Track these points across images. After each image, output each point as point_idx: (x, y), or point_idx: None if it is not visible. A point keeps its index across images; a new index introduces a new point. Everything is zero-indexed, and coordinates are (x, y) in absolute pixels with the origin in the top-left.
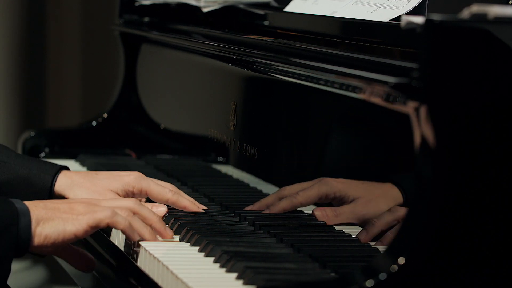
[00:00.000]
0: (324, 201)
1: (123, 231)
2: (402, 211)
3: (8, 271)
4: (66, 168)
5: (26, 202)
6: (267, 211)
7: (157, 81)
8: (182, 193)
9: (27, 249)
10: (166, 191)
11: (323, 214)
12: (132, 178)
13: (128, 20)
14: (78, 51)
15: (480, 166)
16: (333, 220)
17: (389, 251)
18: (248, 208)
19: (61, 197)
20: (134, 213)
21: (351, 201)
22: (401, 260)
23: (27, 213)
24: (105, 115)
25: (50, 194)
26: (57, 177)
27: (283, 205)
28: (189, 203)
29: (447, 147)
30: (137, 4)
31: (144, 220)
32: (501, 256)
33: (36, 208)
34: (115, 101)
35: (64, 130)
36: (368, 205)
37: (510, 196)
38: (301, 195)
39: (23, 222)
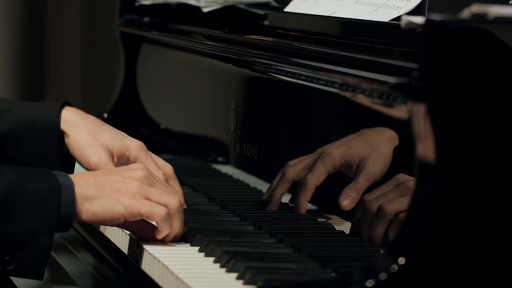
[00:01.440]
0: (333, 172)
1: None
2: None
3: (49, 245)
4: (69, 104)
5: (75, 177)
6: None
7: (158, 81)
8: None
9: (70, 224)
10: (161, 172)
11: (350, 201)
12: (133, 144)
13: (128, 20)
14: (78, 51)
15: (481, 166)
16: (358, 198)
17: (389, 251)
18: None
19: (65, 134)
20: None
21: (359, 165)
22: (402, 260)
23: (70, 187)
24: (105, 115)
25: (58, 132)
26: (61, 112)
27: (303, 199)
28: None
29: (447, 147)
30: (137, 4)
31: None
32: (501, 256)
33: (85, 184)
34: (115, 101)
35: None
36: (377, 161)
37: (510, 196)
38: (311, 178)
39: (65, 197)
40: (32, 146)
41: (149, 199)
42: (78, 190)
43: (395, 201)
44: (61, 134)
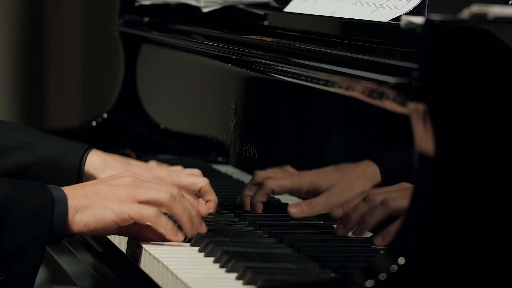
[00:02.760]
0: (298, 195)
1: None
2: (377, 197)
3: (39, 258)
4: (95, 146)
5: (66, 189)
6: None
7: (157, 81)
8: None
9: (62, 237)
10: (198, 180)
11: (299, 210)
12: (164, 174)
13: (128, 20)
14: (78, 51)
15: (480, 166)
16: (309, 213)
17: (389, 251)
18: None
19: (92, 177)
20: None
21: (324, 191)
22: (401, 260)
23: (63, 200)
24: (105, 115)
25: (78, 174)
26: (87, 156)
27: (258, 198)
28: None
29: (447, 147)
30: (137, 4)
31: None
32: (501, 256)
33: (75, 196)
34: (115, 101)
35: (64, 130)
36: (342, 192)
37: (510, 196)
38: (271, 182)
39: (58, 210)
40: (52, 183)
41: (139, 201)
42: (70, 202)
43: (401, 198)
44: (81, 178)
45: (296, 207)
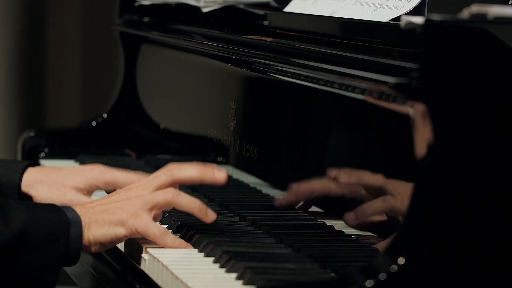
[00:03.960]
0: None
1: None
2: (393, 201)
3: (54, 281)
4: (35, 164)
5: (78, 209)
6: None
7: (157, 81)
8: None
9: (77, 259)
10: (131, 175)
11: (353, 217)
12: (95, 173)
13: (128, 20)
14: (78, 51)
15: (481, 166)
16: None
17: (389, 251)
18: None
19: (27, 195)
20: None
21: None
22: (401, 260)
23: (78, 222)
24: (105, 115)
25: (19, 193)
26: (24, 174)
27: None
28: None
29: (447, 147)
30: (137, 4)
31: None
32: (501, 256)
33: (86, 215)
34: (115, 101)
35: (63, 130)
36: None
37: (510, 196)
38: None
39: (73, 232)
40: None
41: (148, 209)
42: (83, 222)
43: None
44: (23, 194)
45: (351, 215)
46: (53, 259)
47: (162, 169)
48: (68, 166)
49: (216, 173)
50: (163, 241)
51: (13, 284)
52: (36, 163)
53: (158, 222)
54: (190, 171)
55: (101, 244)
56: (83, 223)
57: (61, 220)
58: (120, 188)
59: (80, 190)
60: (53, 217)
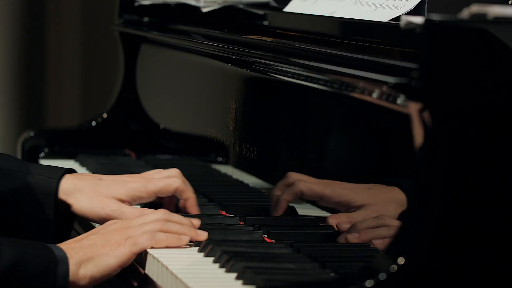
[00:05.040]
0: (326, 205)
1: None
2: (387, 221)
3: None
4: (72, 171)
5: (62, 246)
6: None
7: (157, 81)
8: (187, 182)
9: None
10: (171, 181)
11: (338, 221)
12: (137, 184)
13: (128, 20)
14: (77, 51)
15: (480, 166)
16: (345, 227)
17: (388, 251)
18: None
19: (65, 203)
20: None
21: (359, 207)
22: (401, 260)
23: (65, 260)
24: (105, 115)
25: (55, 200)
26: (61, 181)
27: (286, 196)
28: (191, 195)
29: (446, 147)
30: (136, 4)
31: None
32: (500, 256)
33: (74, 251)
34: (115, 101)
35: (63, 130)
36: (380, 212)
37: (510, 196)
38: (304, 185)
39: (61, 270)
40: (30, 210)
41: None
42: (71, 261)
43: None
44: (60, 202)
45: (336, 218)
46: None
47: (152, 214)
48: (107, 176)
49: (199, 235)
50: (157, 242)
51: None
52: (72, 170)
53: None
54: (176, 226)
55: (92, 278)
56: (71, 260)
57: (49, 259)
58: (162, 196)
59: (122, 201)
60: (42, 254)
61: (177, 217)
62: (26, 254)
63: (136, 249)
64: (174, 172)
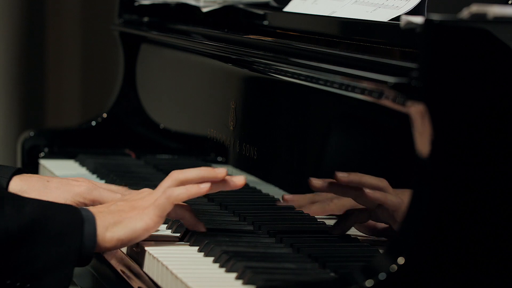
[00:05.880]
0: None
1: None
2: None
3: (69, 277)
4: (21, 171)
5: (93, 210)
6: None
7: (157, 81)
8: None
9: (91, 256)
10: (118, 194)
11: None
12: (83, 189)
13: (128, 20)
14: (77, 51)
15: (480, 166)
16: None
17: (388, 251)
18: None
19: None
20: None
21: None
22: (401, 260)
23: (92, 220)
24: (105, 115)
25: None
26: (11, 180)
27: (315, 209)
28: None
29: (447, 147)
30: (136, 4)
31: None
32: (500, 256)
33: (102, 214)
34: (115, 101)
35: (63, 130)
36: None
37: (510, 196)
38: (335, 204)
39: (87, 229)
40: None
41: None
42: (98, 222)
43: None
44: None
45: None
46: (67, 253)
47: (166, 178)
48: (55, 178)
49: (217, 170)
50: (182, 213)
51: (28, 275)
52: (23, 170)
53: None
54: (191, 171)
55: (119, 240)
56: (99, 221)
57: (74, 216)
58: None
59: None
60: (67, 213)
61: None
62: (50, 210)
63: (159, 211)
64: (117, 188)
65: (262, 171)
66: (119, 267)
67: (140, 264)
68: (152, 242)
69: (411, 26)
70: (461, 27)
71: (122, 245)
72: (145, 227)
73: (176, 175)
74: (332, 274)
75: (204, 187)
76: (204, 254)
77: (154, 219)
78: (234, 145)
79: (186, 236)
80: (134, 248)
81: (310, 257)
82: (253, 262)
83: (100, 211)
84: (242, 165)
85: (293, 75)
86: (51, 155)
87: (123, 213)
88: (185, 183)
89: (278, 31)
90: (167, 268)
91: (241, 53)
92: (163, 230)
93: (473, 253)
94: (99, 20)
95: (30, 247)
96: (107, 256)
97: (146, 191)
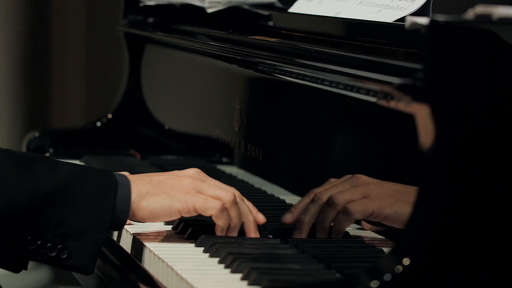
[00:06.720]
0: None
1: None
2: (324, 196)
3: (102, 239)
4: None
5: (131, 176)
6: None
7: (162, 82)
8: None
9: (124, 221)
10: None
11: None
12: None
13: (133, 20)
14: (82, 51)
15: (484, 166)
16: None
17: (394, 252)
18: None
19: None
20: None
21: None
22: (406, 261)
23: (127, 185)
24: (110, 116)
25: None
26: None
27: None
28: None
29: (451, 147)
30: (141, 4)
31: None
32: (506, 256)
33: (141, 182)
34: (120, 101)
35: (68, 131)
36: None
37: None
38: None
39: (121, 194)
40: None
41: (202, 194)
42: (134, 188)
43: (345, 192)
44: None
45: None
46: (100, 216)
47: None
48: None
49: (259, 216)
50: (220, 216)
51: (60, 235)
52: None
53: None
54: (250, 203)
55: (152, 212)
56: (133, 189)
57: (109, 180)
58: None
59: None
60: (102, 176)
61: (245, 206)
62: (83, 173)
63: (201, 208)
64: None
65: (267, 172)
66: (124, 267)
67: (145, 264)
68: (157, 242)
69: (416, 27)
70: (466, 28)
71: (153, 219)
72: (181, 209)
73: (239, 194)
74: (337, 275)
75: (261, 219)
76: (210, 255)
77: (190, 210)
78: (239, 146)
79: (192, 236)
80: (139, 249)
81: (315, 258)
82: (259, 263)
83: (141, 178)
84: (247, 166)
85: (298, 76)
86: (56, 156)
87: (163, 186)
88: (235, 205)
89: (283, 32)
90: (172, 268)
91: (246, 54)
92: (169, 230)
93: (478, 254)
94: (103, 21)
95: (62, 208)
96: (112, 256)
97: (192, 171)
